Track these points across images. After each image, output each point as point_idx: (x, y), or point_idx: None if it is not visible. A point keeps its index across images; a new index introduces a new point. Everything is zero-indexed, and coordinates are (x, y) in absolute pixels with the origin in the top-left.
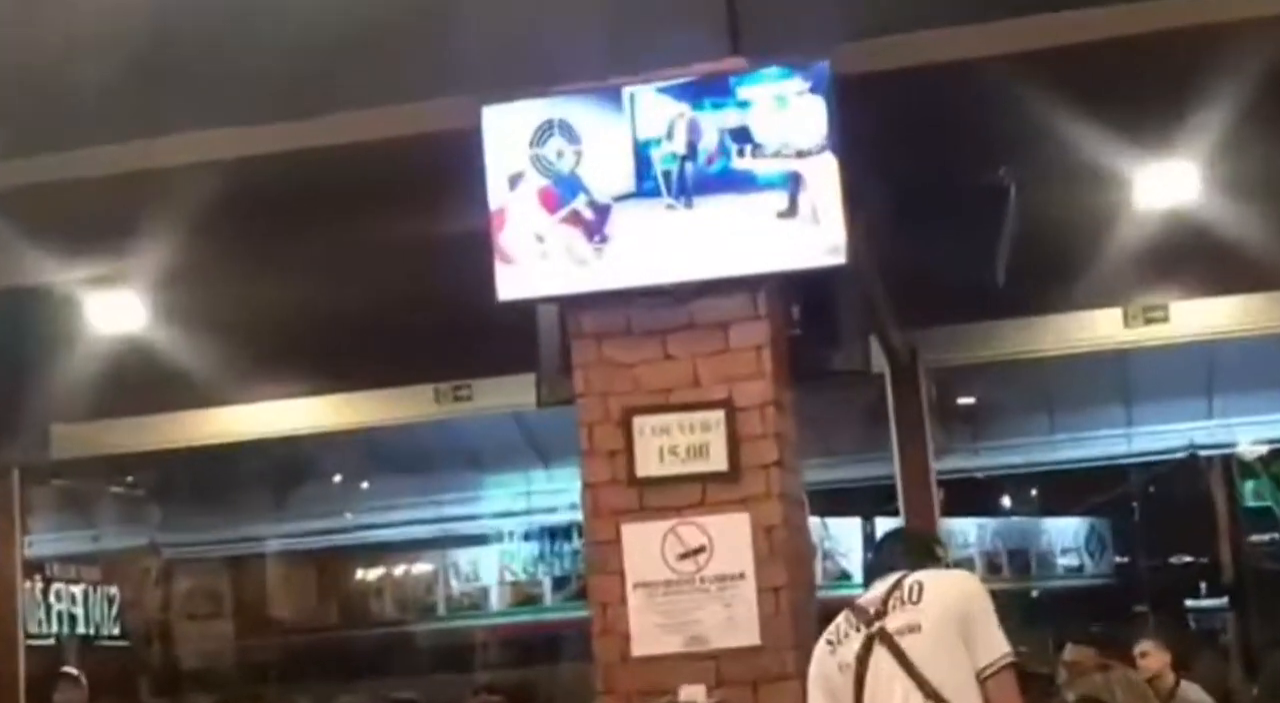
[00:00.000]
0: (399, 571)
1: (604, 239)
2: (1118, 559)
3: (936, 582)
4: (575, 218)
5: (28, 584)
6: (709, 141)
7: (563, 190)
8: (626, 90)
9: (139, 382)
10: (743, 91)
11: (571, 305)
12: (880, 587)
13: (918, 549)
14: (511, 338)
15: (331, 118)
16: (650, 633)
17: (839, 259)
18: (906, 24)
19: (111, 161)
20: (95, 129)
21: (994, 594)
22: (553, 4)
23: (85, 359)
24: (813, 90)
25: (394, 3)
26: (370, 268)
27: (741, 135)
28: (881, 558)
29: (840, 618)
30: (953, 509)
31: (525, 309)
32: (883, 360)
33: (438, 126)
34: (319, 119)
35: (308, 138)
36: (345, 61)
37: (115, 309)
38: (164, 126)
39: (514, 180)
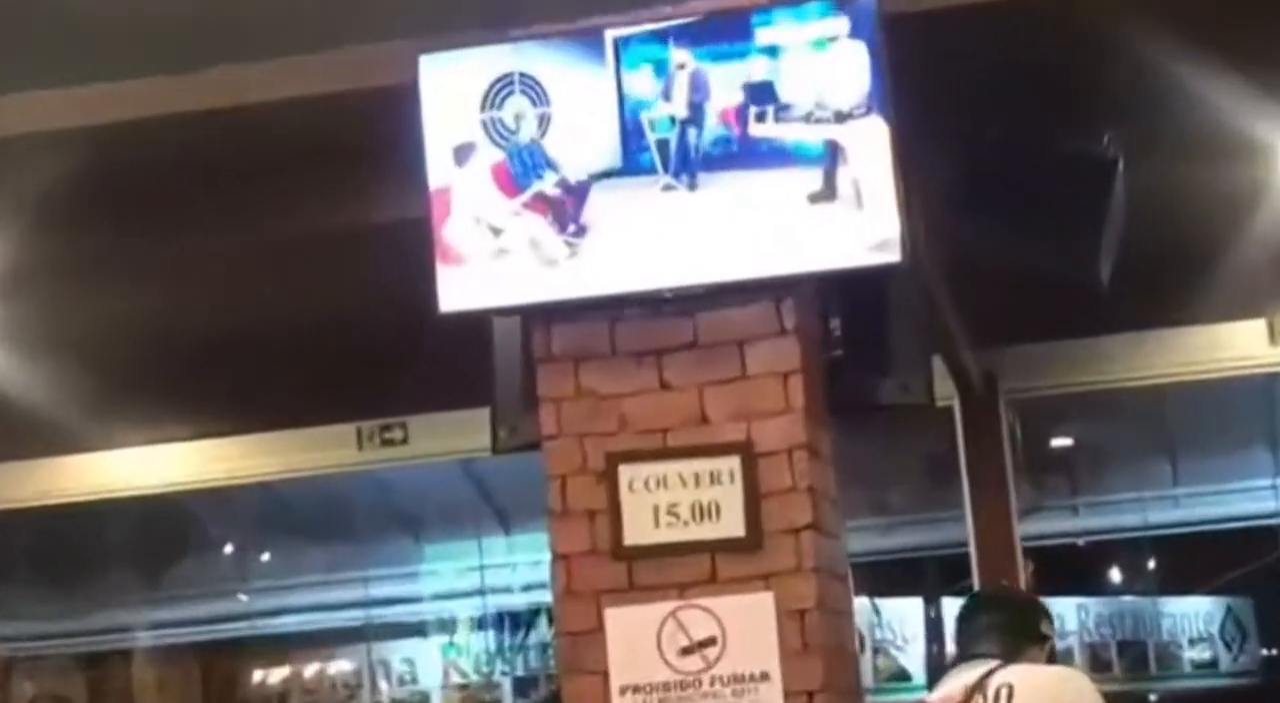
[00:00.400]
0: (310, 671)
1: (580, 230)
2: (1265, 652)
3: (1033, 683)
4: (542, 202)
5: None
6: (719, 101)
7: (525, 167)
8: (610, 34)
9: None
10: (764, 35)
11: (538, 319)
12: (956, 684)
13: (1017, 626)
14: (458, 362)
15: (216, 73)
16: None
17: (892, 256)
18: None
19: None
20: None
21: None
22: None
23: None
24: (855, 33)
25: None
26: (272, 272)
27: (762, 93)
28: (966, 637)
29: None
30: (1045, 586)
31: (476, 324)
32: (950, 389)
33: (359, 83)
34: (200, 75)
35: (186, 99)
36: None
37: None
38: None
39: (461, 153)
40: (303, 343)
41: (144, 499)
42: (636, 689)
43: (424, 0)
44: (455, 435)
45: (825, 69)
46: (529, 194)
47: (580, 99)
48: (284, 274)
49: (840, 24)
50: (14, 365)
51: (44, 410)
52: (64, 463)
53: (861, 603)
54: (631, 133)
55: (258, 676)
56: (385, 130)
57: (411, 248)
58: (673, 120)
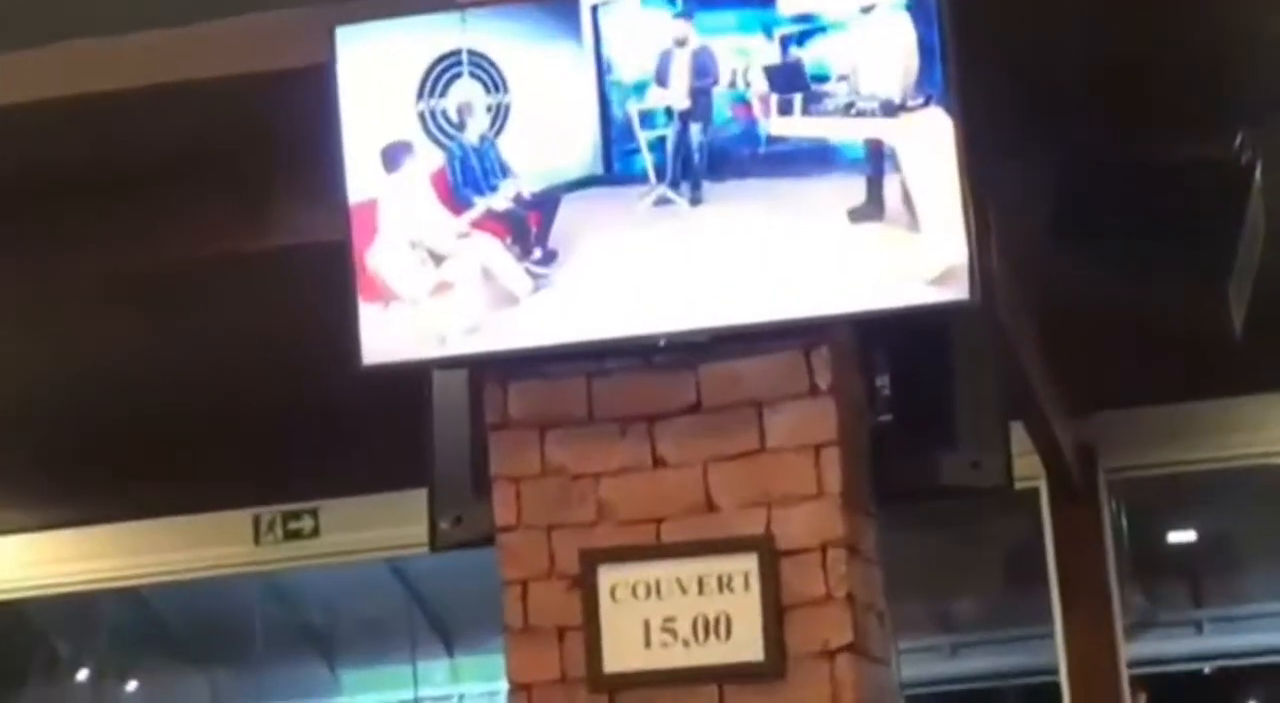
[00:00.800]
0: None
1: (548, 257)
2: None
3: None
4: (498, 220)
5: None
6: (731, 88)
7: (476, 173)
8: (584, 3)
9: None
10: (790, 1)
11: (492, 374)
12: None
13: None
14: (385, 432)
15: (68, 47)
16: None
17: (957, 292)
18: None
19: None
20: None
21: None
22: None
23: None
24: (910, 3)
25: None
26: (140, 309)
27: (788, 77)
28: None
29: None
30: None
31: (410, 381)
32: (1035, 468)
33: (252, 64)
34: (46, 50)
35: (16, 84)
36: None
37: None
38: None
39: (391, 156)
40: (183, 403)
41: None
42: None
43: None
44: (381, 526)
45: (871, 46)
46: (480, 209)
47: (548, 85)
48: (156, 312)
49: None
50: None
51: None
52: None
53: None
54: (615, 129)
55: None
56: (288, 126)
57: (324, 281)
58: (670, 113)
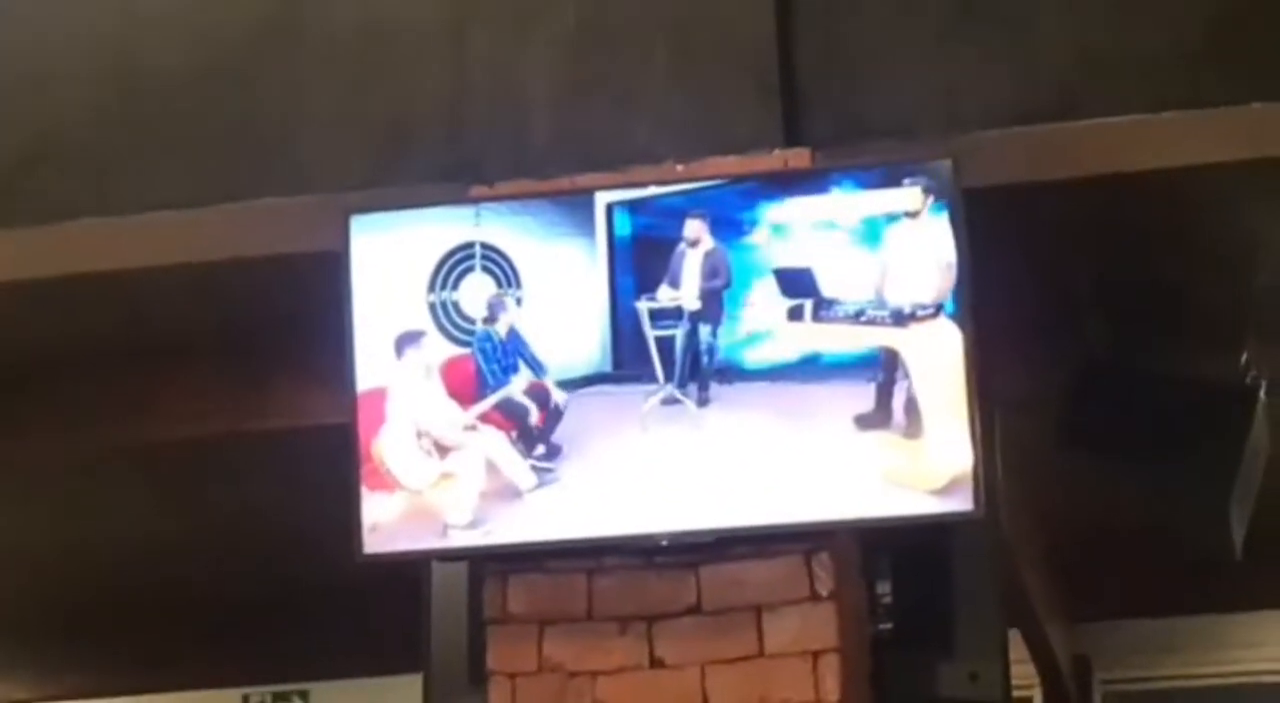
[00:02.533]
0: None
1: (553, 453)
2: None
3: None
4: (505, 415)
5: None
6: (743, 292)
7: (487, 366)
8: (602, 198)
9: None
10: (801, 207)
11: (493, 569)
12: None
13: None
14: (380, 615)
15: (80, 226)
16: None
17: (962, 503)
18: (1078, 106)
19: None
20: None
21: None
22: (473, 46)
23: None
24: (926, 210)
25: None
26: (135, 486)
27: (799, 282)
28: None
29: None
30: None
31: (410, 571)
32: (1030, 675)
33: (266, 247)
34: (58, 227)
35: (26, 260)
36: (94, 127)
37: None
38: None
39: (402, 344)
40: (178, 578)
41: None
42: None
43: (356, 144)
44: None
45: (884, 255)
46: (489, 403)
47: (560, 281)
48: (155, 487)
49: (907, 197)
50: None
51: None
52: None
53: None
54: (625, 328)
55: None
56: (295, 309)
57: (325, 463)
58: (681, 314)
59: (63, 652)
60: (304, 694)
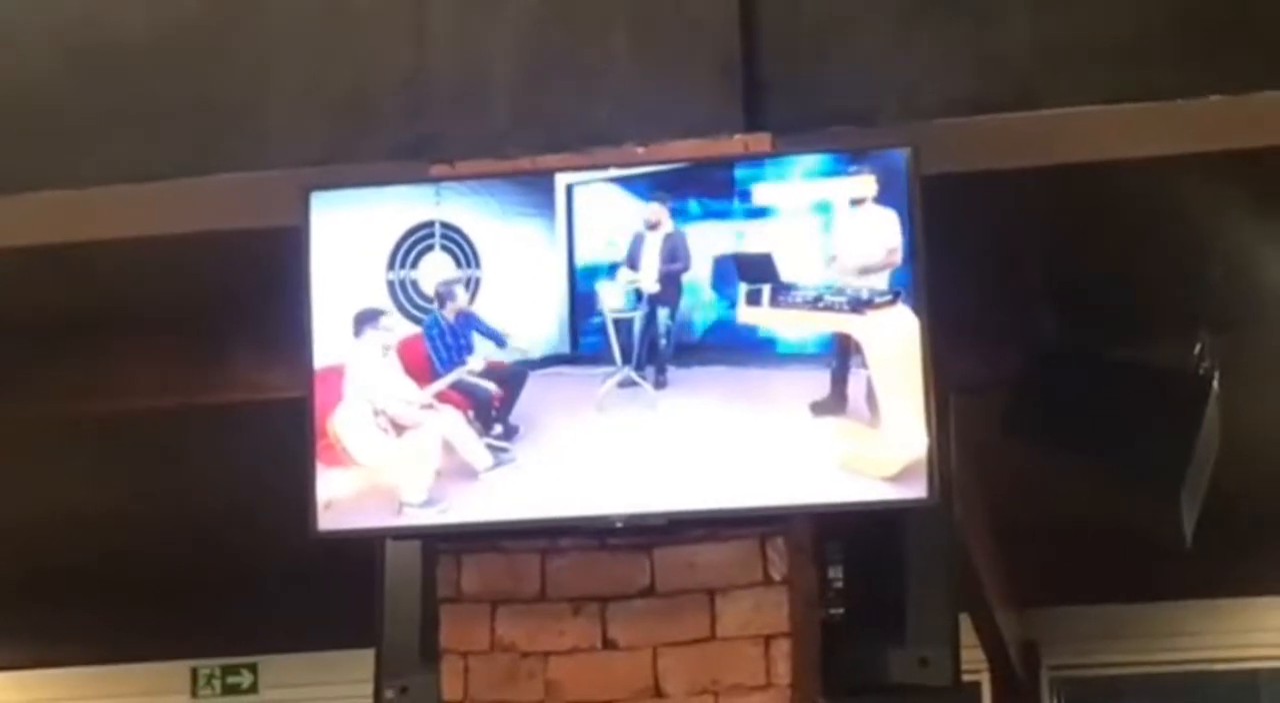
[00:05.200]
0: None
1: (509, 433)
2: None
3: None
4: (462, 393)
5: None
6: (699, 274)
7: (443, 345)
8: (562, 179)
9: None
10: (761, 191)
11: (447, 547)
12: None
13: None
14: (331, 590)
15: (40, 197)
16: None
17: (915, 491)
18: (1033, 95)
19: None
20: None
21: None
22: (436, 23)
23: None
24: (883, 197)
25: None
26: (86, 451)
27: (756, 267)
28: None
29: None
30: None
31: (362, 547)
32: (979, 661)
33: (222, 222)
34: (17, 198)
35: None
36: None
37: None
38: None
39: (361, 322)
40: (129, 550)
41: None
42: None
43: (317, 119)
44: (321, 684)
45: (840, 241)
46: (446, 381)
47: (519, 261)
48: (108, 459)
49: (863, 184)
50: None
51: None
52: None
53: None
54: (583, 309)
55: None
56: (258, 285)
57: (280, 437)
58: (639, 295)
59: (10, 623)
60: (253, 668)
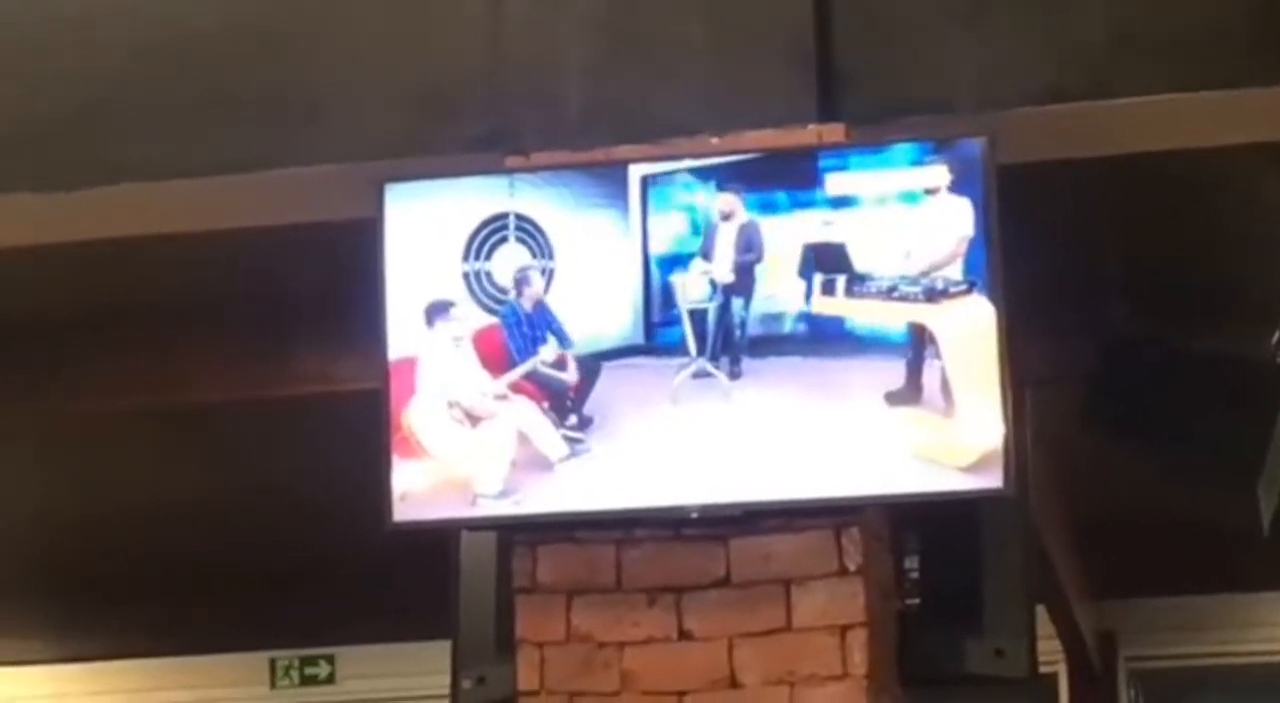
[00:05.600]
0: None
1: (584, 423)
2: None
3: None
4: (537, 385)
5: None
6: (774, 265)
7: (519, 336)
8: (636, 169)
9: None
10: (836, 181)
11: (522, 538)
12: None
13: None
14: (408, 582)
15: (113, 192)
16: None
17: (991, 481)
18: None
19: None
20: None
21: None
22: (510, 14)
23: None
24: (958, 187)
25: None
26: (170, 447)
27: (831, 257)
28: None
29: None
30: None
31: (438, 539)
32: (1056, 651)
33: (300, 215)
34: (91, 193)
35: (65, 225)
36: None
37: None
38: None
39: (434, 313)
40: (208, 543)
41: None
42: None
43: (391, 112)
44: (398, 676)
45: (915, 231)
46: (520, 372)
47: (593, 252)
48: (185, 451)
49: (937, 174)
50: None
51: None
52: None
53: None
54: (657, 300)
55: None
56: (331, 277)
57: (353, 430)
58: (713, 286)
59: (90, 615)
60: (330, 659)
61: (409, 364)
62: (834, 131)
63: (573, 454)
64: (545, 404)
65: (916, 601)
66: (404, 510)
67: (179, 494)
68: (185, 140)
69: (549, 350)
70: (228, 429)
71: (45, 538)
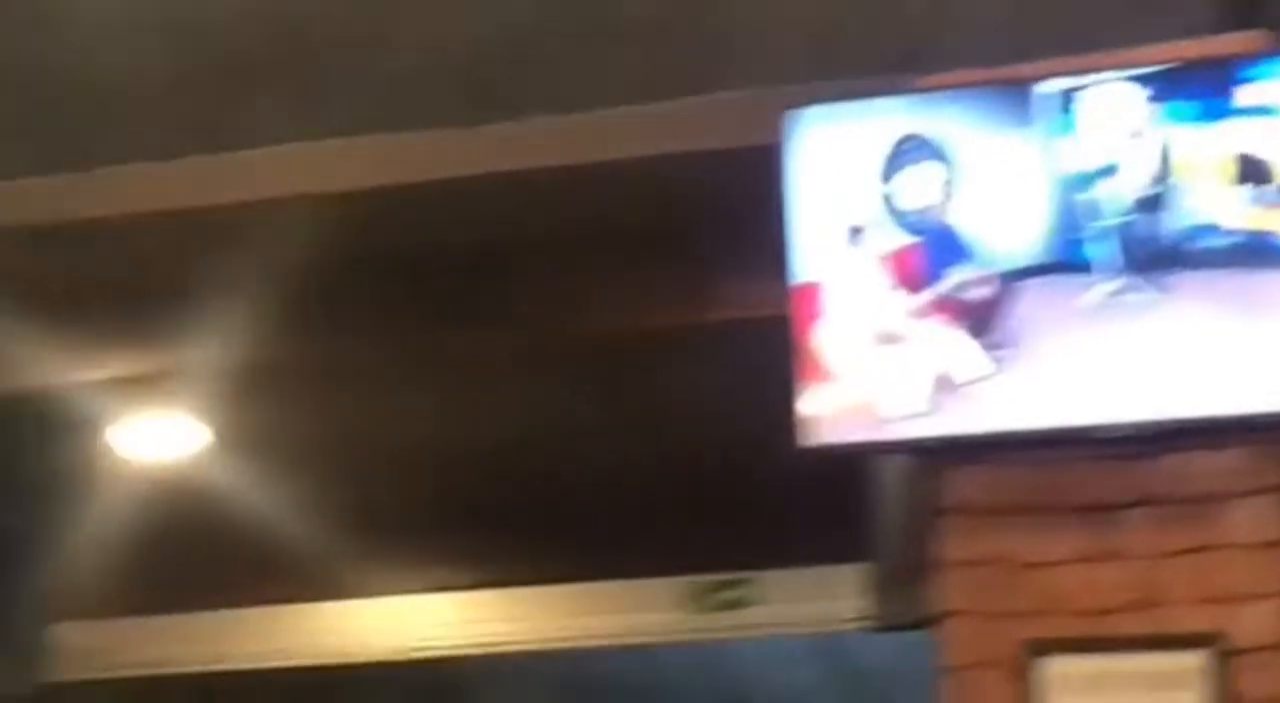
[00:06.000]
0: None
1: (999, 342)
2: None
3: None
4: (950, 304)
5: None
6: (1193, 178)
7: (934, 256)
8: (1045, 85)
9: (195, 557)
10: (1257, 91)
11: (938, 460)
12: None
13: None
14: (822, 505)
15: (513, 127)
16: None
17: None
18: None
19: (150, 191)
20: (128, 140)
21: None
22: None
23: (106, 517)
24: None
25: None
26: (576, 376)
27: (1254, 168)
28: None
29: None
30: None
31: (853, 461)
32: None
33: (701, 142)
34: (493, 128)
35: (474, 159)
36: (543, 35)
37: (155, 435)
38: (237, 138)
39: (845, 236)
40: (622, 469)
41: (401, 664)
42: None
43: (796, 35)
44: (815, 600)
45: None
46: (938, 292)
47: (1003, 171)
48: (594, 380)
49: None
50: (262, 487)
51: (283, 545)
52: (302, 613)
53: None
54: (1071, 217)
55: None
56: (741, 203)
57: (765, 354)
58: (1129, 201)
59: (503, 543)
60: (747, 583)
61: (817, 288)
62: (1253, 40)
63: (991, 373)
64: (962, 323)
65: None
66: (815, 433)
67: (594, 421)
68: (599, 71)
69: (965, 270)
70: (645, 355)
71: (464, 467)
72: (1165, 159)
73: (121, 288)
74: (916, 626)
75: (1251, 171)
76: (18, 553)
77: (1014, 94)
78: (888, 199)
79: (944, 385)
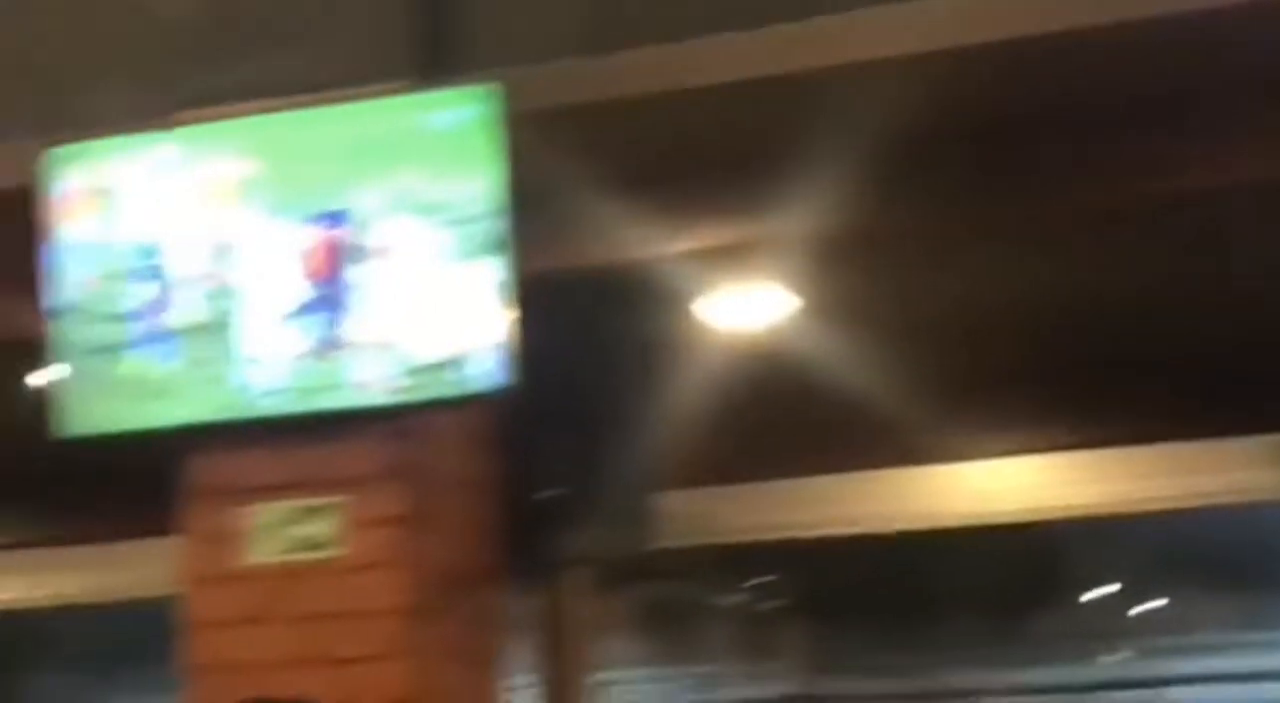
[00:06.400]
0: None
1: None
2: None
3: None
4: None
5: None
6: None
7: None
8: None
9: (784, 426)
10: None
11: None
12: None
13: None
14: None
15: None
16: None
17: None
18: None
19: (738, 59)
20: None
21: None
22: None
23: (699, 388)
24: None
25: None
26: (1142, 241)
27: None
28: None
29: None
30: None
31: None
32: None
33: None
34: None
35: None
36: None
37: (744, 305)
38: (822, 3)
39: None
40: (1203, 327)
41: (989, 529)
42: None
43: None
44: None
45: None
46: None
47: None
48: (1177, 243)
49: None
50: (838, 354)
51: (870, 412)
52: (890, 479)
53: None
54: None
55: None
56: None
57: None
58: None
59: (1096, 402)
60: None
61: None
62: None
63: None
64: None
65: None
66: None
67: (1177, 286)
68: None
69: None
70: (1200, 218)
71: (1049, 328)
72: None
73: (711, 159)
74: None
75: None
76: (622, 424)
77: None
78: None
79: None
